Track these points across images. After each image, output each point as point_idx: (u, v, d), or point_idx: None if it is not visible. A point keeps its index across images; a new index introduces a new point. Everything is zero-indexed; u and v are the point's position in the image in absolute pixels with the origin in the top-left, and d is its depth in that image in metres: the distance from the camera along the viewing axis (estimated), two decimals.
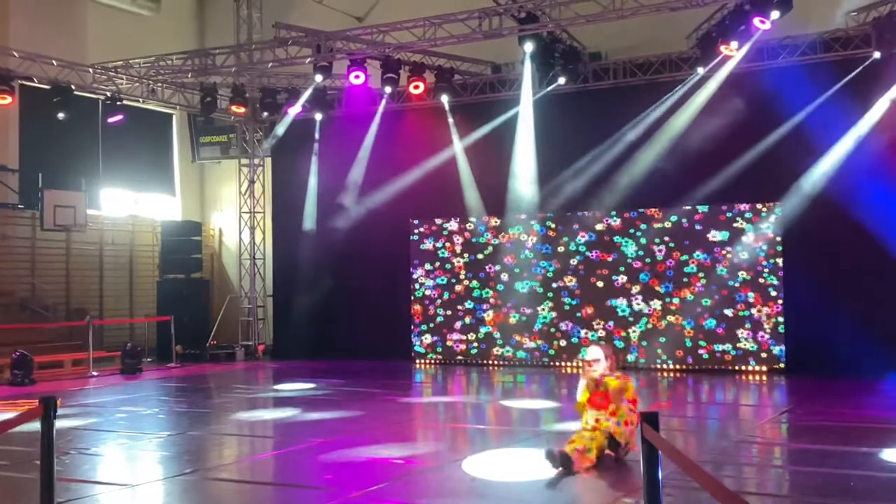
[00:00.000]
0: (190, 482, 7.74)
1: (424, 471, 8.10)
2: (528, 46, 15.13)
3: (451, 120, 17.54)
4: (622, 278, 16.05)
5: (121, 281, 20.70)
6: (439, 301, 17.48)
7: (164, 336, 18.75)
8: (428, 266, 17.59)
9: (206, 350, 19.40)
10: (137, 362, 16.82)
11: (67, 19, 19.35)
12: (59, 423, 5.45)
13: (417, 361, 17.51)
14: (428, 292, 17.56)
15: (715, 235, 15.49)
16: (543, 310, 16.55)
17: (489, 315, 16.98)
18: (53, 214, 17.90)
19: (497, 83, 17.50)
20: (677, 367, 15.55)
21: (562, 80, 16.08)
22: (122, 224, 20.85)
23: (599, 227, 16.27)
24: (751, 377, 14.74)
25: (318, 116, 18.72)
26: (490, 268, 17.07)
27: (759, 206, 15.24)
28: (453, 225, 17.42)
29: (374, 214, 18.09)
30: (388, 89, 16.87)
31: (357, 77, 15.99)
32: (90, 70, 17.64)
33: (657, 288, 15.82)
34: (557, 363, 16.43)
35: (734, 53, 14.61)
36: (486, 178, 17.16)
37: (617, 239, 16.15)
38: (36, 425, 5.35)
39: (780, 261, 15.09)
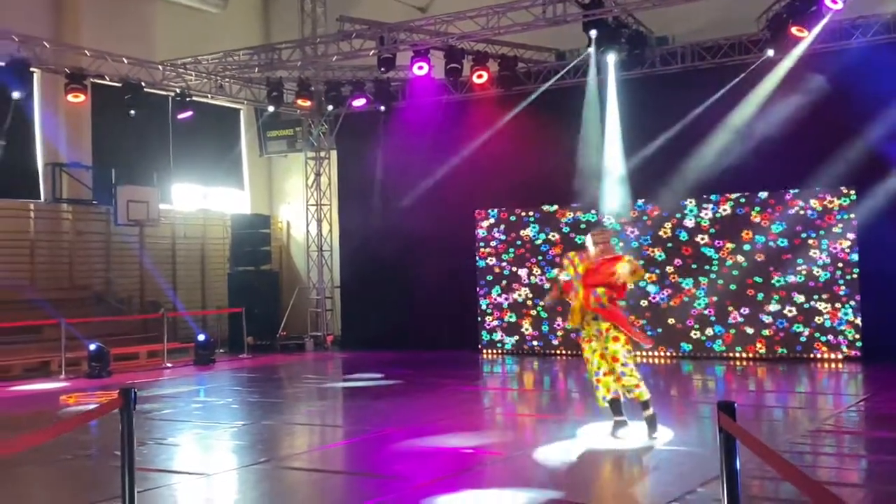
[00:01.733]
0: (264, 471, 7.86)
1: (494, 460, 8.09)
2: (593, 32, 14.94)
3: (515, 109, 17.44)
4: (691, 264, 15.81)
5: (193, 274, 21.11)
6: (507, 301, 17.36)
7: (236, 327, 19.07)
8: (494, 266, 17.53)
9: (276, 341, 19.69)
10: (210, 353, 17.13)
11: (137, 18, 19.75)
12: (137, 414, 5.56)
13: (485, 351, 17.51)
14: (496, 293, 17.46)
15: (788, 221, 15.15)
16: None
17: (561, 324, 16.79)
18: (127, 210, 18.34)
19: (561, 70, 17.32)
20: (751, 355, 15.27)
21: (628, 66, 15.87)
22: (193, 218, 21.24)
23: (667, 215, 16.04)
24: (826, 365, 14.41)
25: (383, 108, 18.81)
26: (560, 270, 16.86)
27: (833, 191, 14.86)
28: (521, 226, 17.30)
29: (440, 205, 18.09)
30: (451, 79, 16.86)
31: (420, 68, 16.01)
32: (160, 67, 17.98)
33: (733, 272, 15.51)
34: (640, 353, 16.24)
35: (805, 35, 14.26)
36: (552, 167, 17.00)
37: (681, 231, 15.91)
38: (115, 416, 5.48)
39: (856, 247, 14.71)
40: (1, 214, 17.63)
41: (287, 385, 14.58)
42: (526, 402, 12.40)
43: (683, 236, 15.87)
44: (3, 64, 15.27)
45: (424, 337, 18.03)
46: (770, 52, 15.09)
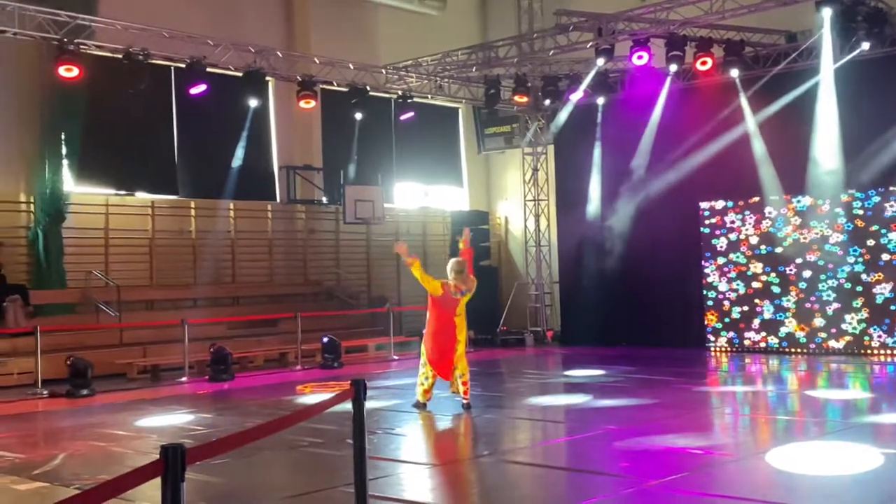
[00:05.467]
0: (487, 464, 7.93)
1: (725, 462, 7.76)
2: (827, 11, 14.04)
3: (742, 95, 16.66)
4: None
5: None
6: (734, 296, 16.65)
7: None
8: (721, 259, 16.82)
9: (496, 335, 19.89)
10: None
11: (361, 25, 20.57)
12: (367, 405, 5.74)
13: (712, 349, 16.86)
14: (722, 288, 16.79)
15: None
16: (853, 317, 15.33)
17: (791, 321, 15.96)
18: (354, 209, 19.14)
19: (793, 53, 16.36)
20: None
21: (866, 46, 14.76)
22: (415, 215, 21.87)
23: None
24: None
25: (601, 101, 18.55)
26: (790, 264, 16.01)
27: None
28: (749, 218, 16.52)
29: (661, 197, 17.58)
30: (673, 67, 16.35)
31: (640, 57, 15.64)
32: (383, 71, 18.61)
33: None
34: (871, 351, 15.16)
35: None
36: (783, 155, 16.13)
37: None
38: (347, 406, 5.68)
39: None
40: (243, 215, 18.89)
41: (508, 379, 14.68)
42: (757, 401, 11.82)
43: None
44: (241, 74, 16.30)
45: (647, 333, 17.62)
46: None
